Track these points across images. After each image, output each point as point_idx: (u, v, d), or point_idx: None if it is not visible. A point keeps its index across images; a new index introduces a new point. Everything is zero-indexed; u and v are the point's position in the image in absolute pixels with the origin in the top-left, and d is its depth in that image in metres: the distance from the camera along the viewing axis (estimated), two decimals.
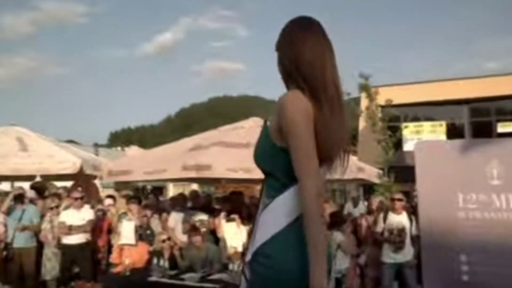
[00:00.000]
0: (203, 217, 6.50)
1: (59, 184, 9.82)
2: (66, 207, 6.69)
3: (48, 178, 8.57)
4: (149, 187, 18.59)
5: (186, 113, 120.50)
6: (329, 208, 6.98)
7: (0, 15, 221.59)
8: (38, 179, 8.06)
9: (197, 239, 5.84)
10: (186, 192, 8.73)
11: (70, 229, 6.35)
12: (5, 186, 10.85)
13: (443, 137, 16.95)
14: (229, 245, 6.05)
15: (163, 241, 6.11)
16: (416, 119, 18.37)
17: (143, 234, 6.40)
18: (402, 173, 8.79)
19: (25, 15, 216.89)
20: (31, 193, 7.38)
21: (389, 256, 5.69)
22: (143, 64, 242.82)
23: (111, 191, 9.67)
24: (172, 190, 22.53)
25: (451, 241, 4.53)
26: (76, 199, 6.54)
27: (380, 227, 5.80)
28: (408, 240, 5.63)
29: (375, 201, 7.11)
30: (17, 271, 6.47)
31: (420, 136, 16.74)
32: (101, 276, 6.06)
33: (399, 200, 5.80)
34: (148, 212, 6.95)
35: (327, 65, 1.59)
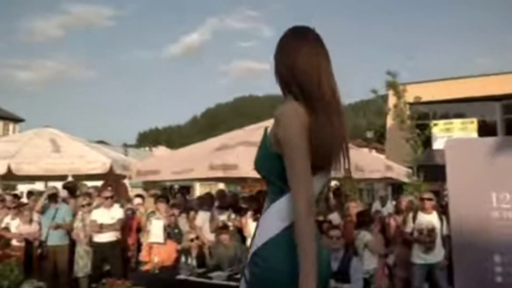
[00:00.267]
0: (231, 215, 6.55)
1: (89, 183, 10.08)
2: (97, 206, 6.84)
3: (79, 178, 8.79)
4: (176, 186, 18.88)
5: (211, 113, 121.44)
6: (356, 208, 6.91)
7: (32, 19, 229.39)
8: (70, 179, 8.26)
9: (225, 237, 5.89)
10: (213, 192, 8.79)
11: (101, 228, 6.50)
12: (39, 186, 11.20)
13: (474, 134, 16.46)
14: None
15: (192, 240, 6.19)
16: (445, 116, 17.85)
17: (171, 232, 6.50)
18: (431, 172, 8.60)
19: (55, 19, 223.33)
20: (63, 193, 7.57)
21: (419, 257, 5.59)
22: (170, 66, 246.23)
23: (139, 191, 9.81)
24: (198, 190, 22.79)
25: (484, 241, 4.40)
26: (106, 198, 6.70)
27: (409, 227, 5.71)
28: (438, 240, 5.52)
29: (404, 200, 7.00)
30: (51, 268, 6.65)
31: (450, 134, 16.29)
32: (131, 274, 6.16)
33: (429, 199, 5.70)
34: (176, 211, 7.05)
35: (323, 72, 1.62)
